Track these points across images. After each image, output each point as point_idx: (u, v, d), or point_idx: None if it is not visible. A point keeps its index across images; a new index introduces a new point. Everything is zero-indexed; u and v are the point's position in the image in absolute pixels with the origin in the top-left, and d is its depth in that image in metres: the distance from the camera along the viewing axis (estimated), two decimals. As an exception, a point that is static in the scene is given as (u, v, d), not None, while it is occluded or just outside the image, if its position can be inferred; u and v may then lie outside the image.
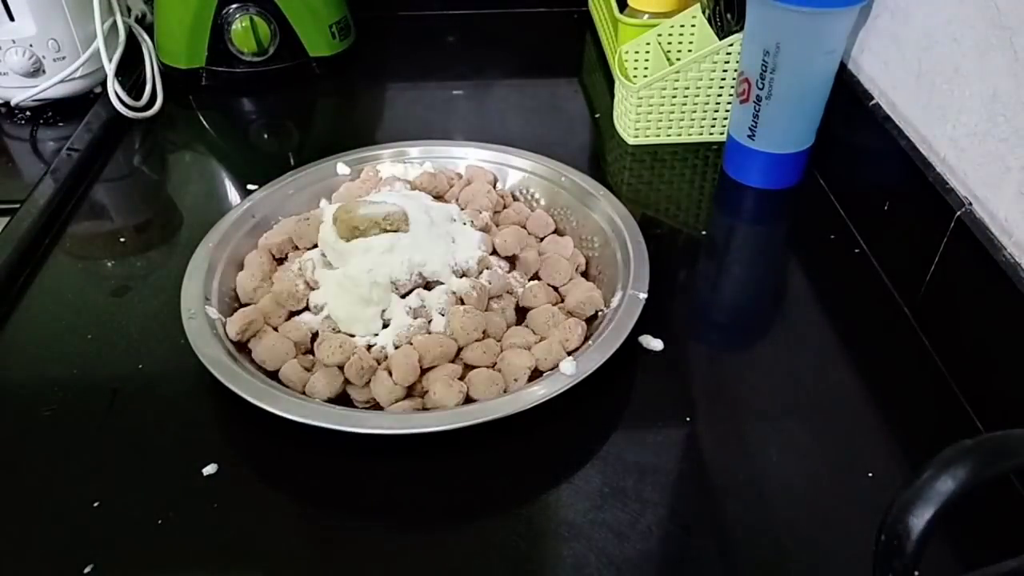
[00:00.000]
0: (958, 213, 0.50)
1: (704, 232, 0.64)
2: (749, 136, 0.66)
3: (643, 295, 0.51)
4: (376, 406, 0.48)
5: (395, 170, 0.65)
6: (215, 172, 0.74)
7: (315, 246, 0.56)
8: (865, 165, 0.63)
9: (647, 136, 0.73)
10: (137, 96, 0.77)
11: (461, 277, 0.53)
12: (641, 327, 0.51)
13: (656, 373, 0.51)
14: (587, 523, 0.43)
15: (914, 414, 0.49)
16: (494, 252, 0.57)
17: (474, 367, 0.49)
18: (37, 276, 0.59)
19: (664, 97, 0.70)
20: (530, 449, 0.47)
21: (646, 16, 0.77)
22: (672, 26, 0.76)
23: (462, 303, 0.51)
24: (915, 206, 0.55)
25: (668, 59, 0.75)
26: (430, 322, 0.51)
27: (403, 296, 0.52)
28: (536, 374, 0.49)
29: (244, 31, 0.80)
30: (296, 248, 0.58)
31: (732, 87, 0.70)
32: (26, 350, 0.54)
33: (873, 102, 0.62)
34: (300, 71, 0.85)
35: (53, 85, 0.75)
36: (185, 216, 0.66)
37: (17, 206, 0.63)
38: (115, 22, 0.78)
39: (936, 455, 0.25)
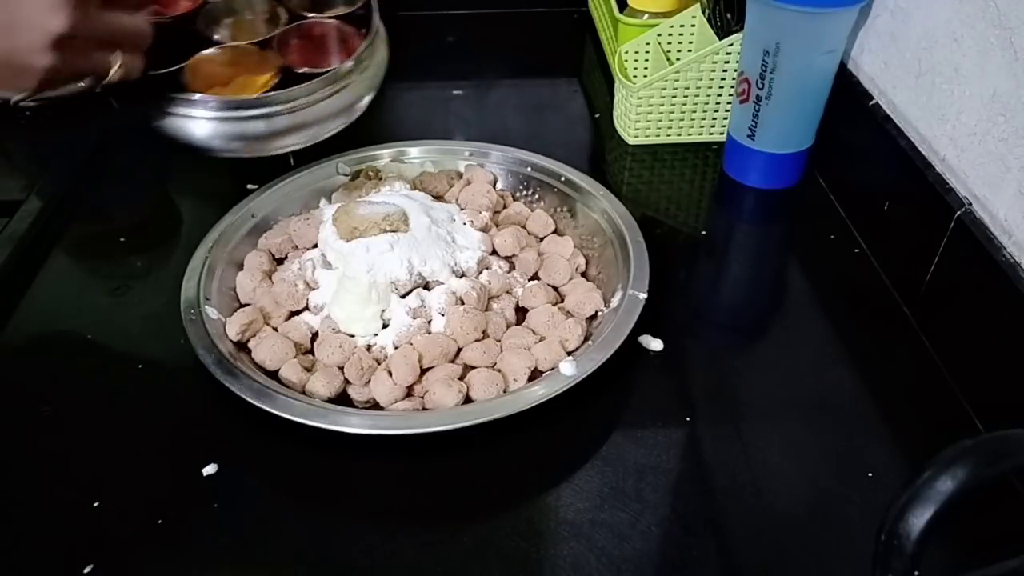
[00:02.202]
0: (958, 213, 0.50)
1: (704, 232, 0.64)
2: (749, 136, 0.66)
3: (643, 295, 0.51)
4: (376, 406, 0.48)
5: (395, 170, 0.65)
6: (215, 172, 0.74)
7: (315, 246, 0.56)
8: (865, 165, 0.63)
9: (647, 136, 0.73)
10: (137, 96, 0.77)
11: (461, 277, 0.53)
12: (641, 327, 0.51)
13: (656, 373, 0.51)
14: (587, 523, 0.43)
15: (914, 414, 0.49)
16: (494, 252, 0.57)
17: (474, 367, 0.49)
18: (37, 276, 0.59)
19: (664, 97, 0.70)
20: (530, 449, 0.47)
21: (646, 16, 0.77)
22: (672, 26, 0.76)
23: (462, 303, 0.51)
24: (915, 206, 0.55)
25: (668, 59, 0.75)
26: (430, 322, 0.51)
27: (403, 296, 0.52)
28: (536, 374, 0.49)
29: (244, 31, 0.80)
30: (296, 248, 0.58)
31: (732, 87, 0.70)
32: (26, 350, 0.54)
33: (873, 102, 0.62)
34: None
35: (53, 85, 0.75)
36: (185, 216, 0.67)
37: (17, 206, 0.63)
38: (115, 22, 0.78)
39: (936, 455, 0.25)
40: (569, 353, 0.50)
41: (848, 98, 0.64)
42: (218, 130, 0.55)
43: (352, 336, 0.51)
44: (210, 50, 0.60)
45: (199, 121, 0.54)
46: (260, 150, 0.56)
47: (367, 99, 0.60)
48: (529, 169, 0.64)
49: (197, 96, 0.54)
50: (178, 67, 0.57)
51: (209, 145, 0.55)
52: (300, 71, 0.58)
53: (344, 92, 0.58)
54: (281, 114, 0.55)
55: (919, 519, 0.25)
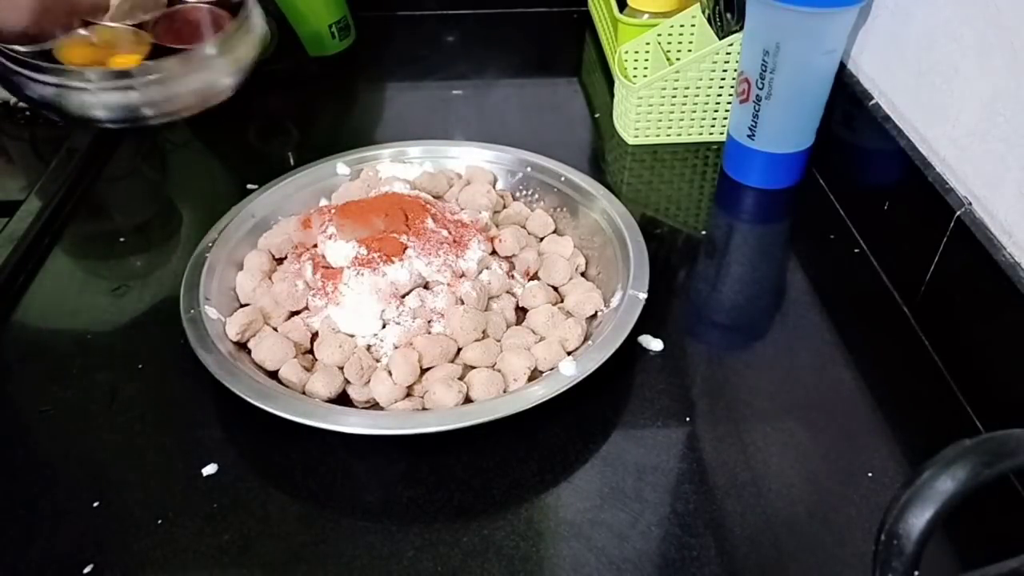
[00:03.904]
0: (958, 213, 0.50)
1: (704, 232, 0.64)
2: (749, 136, 0.66)
3: (643, 295, 0.51)
4: (376, 406, 0.48)
5: (395, 170, 0.65)
6: (215, 172, 0.74)
7: (315, 246, 0.56)
8: (865, 165, 0.63)
9: (647, 136, 0.73)
10: (137, 96, 0.77)
11: (461, 277, 0.53)
12: (641, 327, 0.51)
13: (656, 373, 0.51)
14: (587, 523, 0.43)
15: (914, 414, 0.49)
16: (494, 252, 0.57)
17: (474, 367, 0.49)
18: (37, 276, 0.59)
19: (664, 97, 0.70)
20: (530, 449, 0.47)
21: (646, 16, 0.77)
22: (672, 26, 0.76)
23: (462, 303, 0.51)
24: (915, 206, 0.55)
25: (668, 59, 0.75)
26: (430, 322, 0.51)
27: (403, 296, 0.52)
28: (536, 374, 0.49)
29: (244, 31, 0.80)
30: (296, 248, 0.58)
31: (732, 87, 0.70)
32: (26, 350, 0.54)
33: (873, 102, 0.62)
34: (300, 71, 0.85)
35: (53, 85, 0.75)
36: (185, 216, 0.67)
37: (17, 206, 0.63)
38: (115, 22, 0.78)
39: (936, 455, 0.25)
40: (569, 353, 0.50)
41: (848, 98, 0.64)
42: (100, 100, 0.61)
43: (352, 336, 0.51)
44: (82, 30, 0.65)
45: (74, 92, 0.61)
46: (143, 118, 0.64)
47: (233, 79, 0.67)
48: (529, 169, 0.64)
49: (70, 68, 0.61)
50: (51, 44, 0.64)
51: (92, 115, 0.63)
52: (175, 48, 0.64)
53: (213, 66, 0.65)
54: (152, 84, 0.62)
55: (919, 519, 0.25)
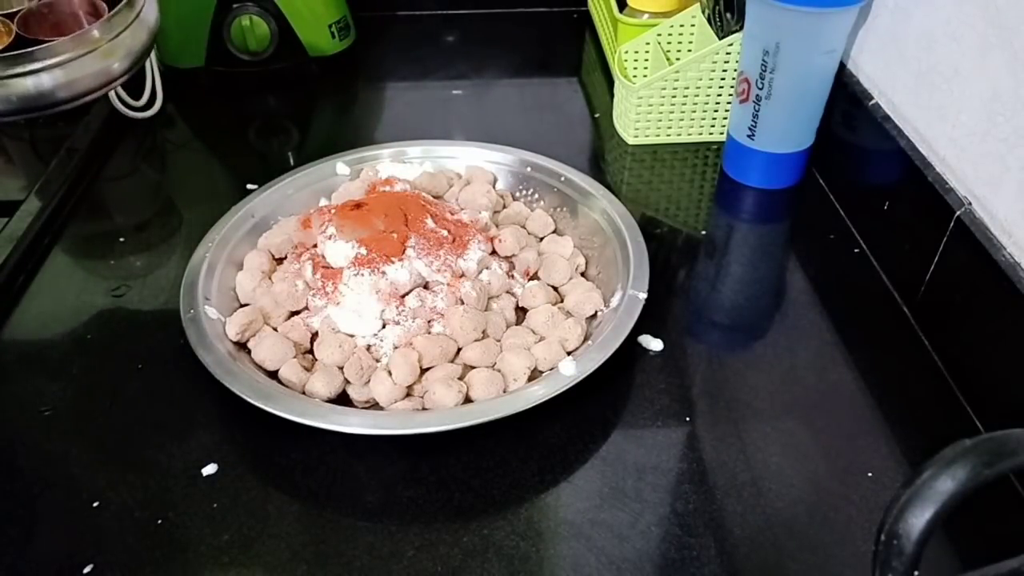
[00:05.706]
0: (958, 213, 0.50)
1: (704, 232, 0.64)
2: (749, 136, 0.66)
3: (643, 295, 0.51)
4: (376, 406, 0.48)
5: (395, 170, 0.65)
6: (215, 172, 0.74)
7: (315, 246, 0.56)
8: (865, 165, 0.63)
9: (647, 136, 0.73)
10: (137, 96, 0.77)
11: (461, 277, 0.53)
12: (641, 327, 0.51)
13: (656, 373, 0.51)
14: (587, 523, 0.43)
15: (914, 414, 0.49)
16: (493, 252, 0.57)
17: (474, 367, 0.49)
18: (37, 276, 0.59)
19: (664, 97, 0.70)
20: (530, 449, 0.47)
21: (646, 16, 0.77)
22: (672, 26, 0.76)
23: (462, 303, 0.51)
24: (915, 206, 0.55)
25: (668, 59, 0.75)
26: (430, 322, 0.51)
27: (403, 296, 0.52)
28: (536, 374, 0.49)
29: (243, 31, 0.80)
30: (296, 248, 0.58)
31: (732, 87, 0.70)
32: (26, 350, 0.54)
33: (873, 102, 0.62)
34: (300, 71, 0.85)
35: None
36: (185, 216, 0.67)
37: (17, 206, 0.63)
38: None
39: (936, 455, 0.25)
40: (569, 353, 0.50)
41: (848, 98, 0.64)
42: None
43: (352, 336, 0.51)
44: None
45: None
46: (35, 108, 0.58)
47: (126, 63, 0.62)
48: (529, 169, 0.64)
49: None
50: None
51: None
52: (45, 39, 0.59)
53: (99, 53, 0.60)
54: (43, 70, 0.57)
55: (919, 519, 0.25)
